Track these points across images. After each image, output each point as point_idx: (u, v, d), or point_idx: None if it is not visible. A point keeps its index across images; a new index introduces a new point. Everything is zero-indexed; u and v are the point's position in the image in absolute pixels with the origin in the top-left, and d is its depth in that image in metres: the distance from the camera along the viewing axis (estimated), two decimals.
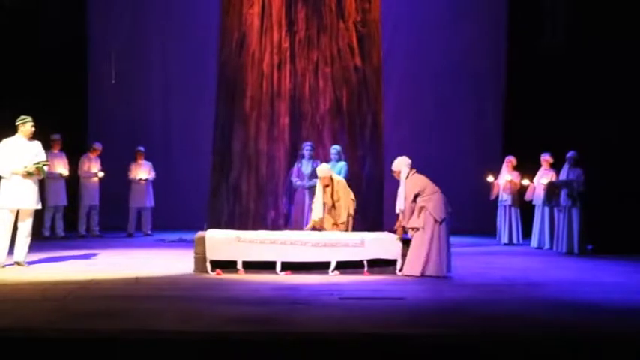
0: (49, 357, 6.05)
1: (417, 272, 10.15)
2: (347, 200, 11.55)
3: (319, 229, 11.33)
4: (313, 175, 12.85)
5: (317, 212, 11.46)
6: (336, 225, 11.44)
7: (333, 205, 11.51)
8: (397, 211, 10.41)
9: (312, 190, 12.74)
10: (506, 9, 18.08)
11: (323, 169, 11.60)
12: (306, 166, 13.23)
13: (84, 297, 8.21)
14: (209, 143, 15.84)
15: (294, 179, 13.28)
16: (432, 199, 10.28)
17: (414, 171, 10.51)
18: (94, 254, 12.27)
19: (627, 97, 13.52)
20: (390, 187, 15.26)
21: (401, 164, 10.49)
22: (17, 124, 10.71)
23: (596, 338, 6.56)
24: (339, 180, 11.72)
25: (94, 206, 15.72)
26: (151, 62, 18.33)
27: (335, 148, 13.35)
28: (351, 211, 11.62)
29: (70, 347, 6.15)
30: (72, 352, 6.12)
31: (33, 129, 10.76)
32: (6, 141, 10.61)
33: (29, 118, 10.70)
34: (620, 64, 13.56)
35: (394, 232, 10.66)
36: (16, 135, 10.70)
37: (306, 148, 13.43)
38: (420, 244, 10.23)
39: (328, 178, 11.48)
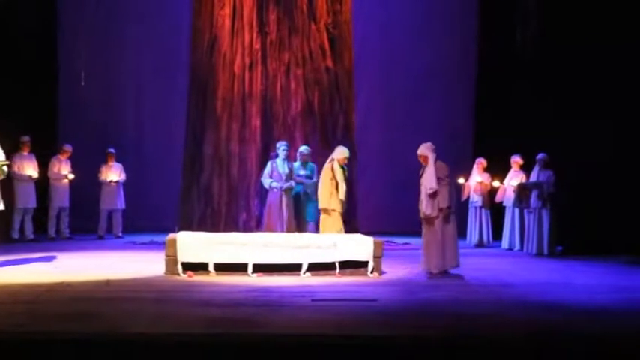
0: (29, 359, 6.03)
1: (438, 268, 10.57)
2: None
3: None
4: (290, 176, 12.78)
5: (343, 192, 11.84)
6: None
7: (337, 188, 11.89)
8: (429, 191, 10.56)
9: (287, 192, 12.69)
10: (477, 10, 18.14)
11: (345, 148, 12.07)
12: (282, 167, 12.84)
13: (55, 300, 8.16)
14: (180, 144, 15.84)
15: (267, 180, 12.87)
16: (445, 187, 10.67)
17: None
18: (65, 257, 12.17)
19: (598, 99, 13.62)
20: (362, 188, 15.36)
21: (427, 149, 10.80)
22: None
23: (567, 339, 6.62)
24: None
25: (64, 208, 15.60)
26: (122, 63, 18.19)
27: (307, 149, 13.30)
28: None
29: (40, 350, 6.11)
30: (43, 355, 6.09)
31: None
32: None
33: None
34: (592, 65, 13.65)
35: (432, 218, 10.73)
36: None
37: (282, 148, 12.96)
38: (433, 239, 10.62)
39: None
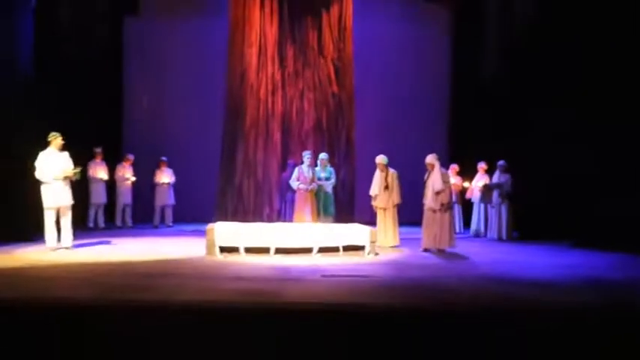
0: (100, 321, 6.08)
1: (448, 246, 11.16)
2: (397, 189, 12.23)
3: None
4: (313, 179, 12.55)
5: (374, 189, 12.24)
6: (386, 208, 12.18)
7: (386, 187, 12.16)
8: (436, 190, 11.12)
9: (311, 191, 12.53)
10: (449, 52, 18.01)
11: (383, 156, 12.32)
12: (307, 172, 12.51)
13: (122, 274, 8.21)
14: (218, 154, 15.88)
15: (294, 183, 12.57)
16: (447, 188, 11.27)
17: None
18: (128, 241, 12.22)
19: (537, 120, 13.51)
20: (361, 188, 15.32)
21: (433, 159, 11.44)
22: (49, 139, 10.57)
23: (520, 308, 6.63)
24: (394, 172, 12.30)
25: (127, 204, 15.65)
26: (172, 90, 18.11)
27: (326, 155, 13.11)
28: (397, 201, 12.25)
29: (110, 316, 6.17)
30: (109, 320, 6.14)
31: (62, 142, 10.65)
32: (42, 153, 10.49)
33: (58, 134, 10.60)
34: (552, 90, 13.42)
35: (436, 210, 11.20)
36: (48, 148, 10.57)
37: (307, 156, 12.61)
38: (432, 225, 11.16)
39: (385, 164, 12.28)
